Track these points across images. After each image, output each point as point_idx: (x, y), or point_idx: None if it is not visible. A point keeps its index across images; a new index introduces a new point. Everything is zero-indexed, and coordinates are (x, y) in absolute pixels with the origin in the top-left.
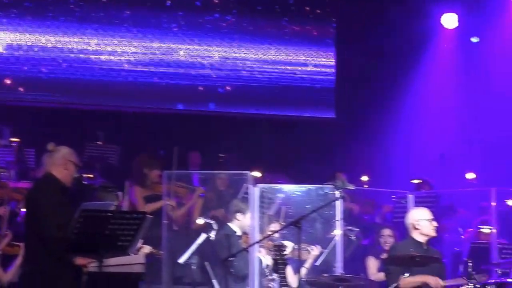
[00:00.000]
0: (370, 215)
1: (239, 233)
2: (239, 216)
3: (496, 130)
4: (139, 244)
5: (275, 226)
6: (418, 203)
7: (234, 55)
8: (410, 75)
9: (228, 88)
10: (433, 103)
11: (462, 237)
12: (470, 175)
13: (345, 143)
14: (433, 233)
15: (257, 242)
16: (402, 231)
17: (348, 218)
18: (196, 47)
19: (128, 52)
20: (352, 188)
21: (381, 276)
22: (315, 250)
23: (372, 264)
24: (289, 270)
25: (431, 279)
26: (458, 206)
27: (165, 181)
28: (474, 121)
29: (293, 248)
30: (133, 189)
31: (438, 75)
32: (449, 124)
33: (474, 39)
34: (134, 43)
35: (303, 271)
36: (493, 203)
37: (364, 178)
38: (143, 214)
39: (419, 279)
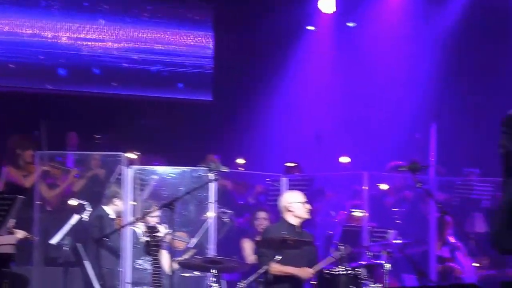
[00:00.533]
0: (243, 195)
1: (112, 216)
2: (116, 201)
3: (370, 115)
4: (11, 224)
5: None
6: (292, 186)
7: (108, 36)
8: (287, 58)
9: (104, 69)
10: (309, 87)
11: (335, 220)
12: (344, 159)
13: (222, 125)
14: (306, 215)
15: (130, 224)
16: (276, 214)
17: (222, 198)
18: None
19: None
20: (226, 170)
21: (254, 258)
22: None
23: (248, 246)
24: (164, 255)
25: (301, 272)
26: (332, 189)
27: (37, 162)
28: (349, 106)
29: (168, 234)
30: (7, 170)
31: (315, 59)
32: (324, 108)
33: (351, 24)
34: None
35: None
36: (365, 187)
37: (240, 161)
38: (13, 196)
39: (290, 270)
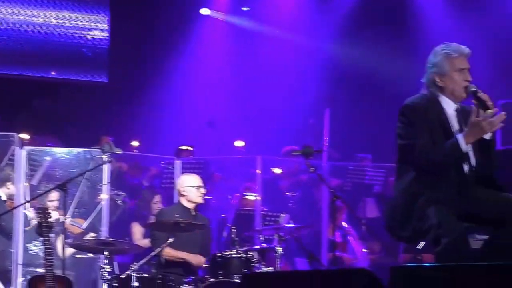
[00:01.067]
0: (138, 178)
1: (4, 198)
2: (9, 185)
3: (265, 100)
4: None
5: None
6: (186, 169)
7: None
8: (183, 42)
9: None
10: (204, 71)
11: (230, 203)
12: (239, 143)
13: (117, 107)
14: (200, 200)
15: (22, 205)
16: (169, 197)
17: (116, 180)
18: None
19: None
20: (119, 152)
21: (146, 242)
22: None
23: (137, 230)
24: (60, 240)
25: (193, 259)
26: (226, 173)
27: None
28: (244, 90)
29: (65, 218)
30: None
31: (210, 43)
32: (219, 91)
33: (245, 9)
34: None
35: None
36: (258, 171)
37: (135, 143)
38: None
39: (181, 255)
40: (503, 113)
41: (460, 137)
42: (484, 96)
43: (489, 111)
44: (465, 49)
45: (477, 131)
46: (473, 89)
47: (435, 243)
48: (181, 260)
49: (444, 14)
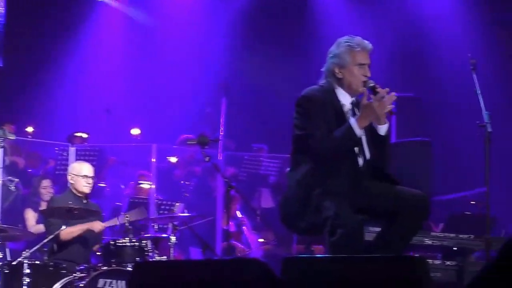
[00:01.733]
0: (36, 169)
1: None
2: None
3: (163, 88)
4: None
5: None
6: (80, 156)
7: None
8: (81, 27)
9: None
10: (102, 56)
11: (124, 191)
12: (135, 131)
13: (11, 92)
14: (86, 190)
15: None
16: (63, 183)
17: (9, 166)
18: None
19: None
20: (12, 138)
21: (41, 227)
22: None
23: (30, 216)
24: None
25: (92, 225)
26: (122, 160)
27: None
28: (141, 78)
29: None
30: None
31: (107, 29)
32: (117, 78)
33: None
34: None
35: None
36: (153, 159)
37: (29, 129)
38: None
39: (80, 227)
40: (393, 93)
41: (353, 121)
42: (382, 91)
43: (381, 92)
44: (368, 44)
45: (369, 113)
46: (372, 84)
47: (331, 234)
48: (80, 233)
49: (341, 8)
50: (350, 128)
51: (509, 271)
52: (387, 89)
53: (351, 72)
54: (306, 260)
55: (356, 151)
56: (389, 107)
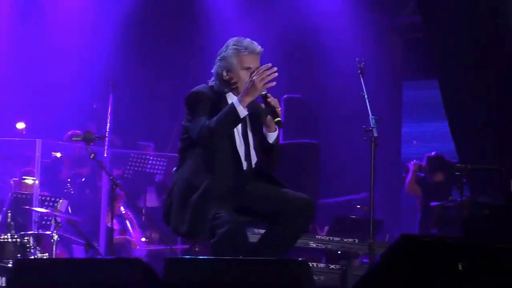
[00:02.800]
0: None
1: None
2: None
3: (50, 82)
4: None
5: None
6: None
7: None
8: None
9: None
10: None
11: (8, 185)
12: (20, 125)
13: None
14: None
15: None
16: None
17: None
18: None
19: None
20: None
21: None
22: None
23: None
24: None
25: None
26: (6, 155)
27: None
28: (28, 71)
29: None
30: None
31: None
32: (2, 71)
33: None
34: None
35: None
36: (38, 154)
37: None
38: None
39: None
40: (275, 68)
41: (235, 101)
42: (273, 100)
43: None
44: (256, 47)
45: (250, 88)
46: (264, 93)
47: (211, 235)
48: None
49: (229, 4)
50: (232, 106)
51: (391, 275)
52: (269, 64)
53: (238, 76)
54: (188, 261)
55: (241, 154)
56: (271, 83)
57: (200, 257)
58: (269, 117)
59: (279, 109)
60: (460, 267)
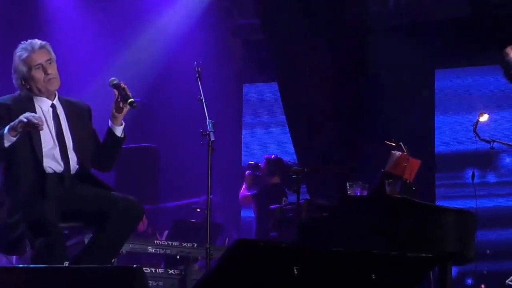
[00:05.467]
0: None
1: None
2: None
3: None
4: None
5: None
6: None
7: None
8: None
9: None
10: None
11: None
12: None
13: None
14: None
15: None
16: None
17: None
18: None
19: None
20: None
21: None
22: None
23: None
24: None
25: None
26: None
27: None
28: None
29: None
30: None
31: None
32: None
33: None
34: None
35: None
36: None
37: None
38: None
39: None
40: (42, 122)
41: (6, 129)
42: (125, 85)
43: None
44: (35, 43)
45: (17, 124)
46: (115, 82)
47: (31, 248)
48: None
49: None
50: (2, 134)
51: (227, 279)
52: (42, 118)
53: (33, 78)
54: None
55: (56, 156)
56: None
57: (20, 265)
58: (113, 111)
59: (130, 93)
60: (295, 271)
